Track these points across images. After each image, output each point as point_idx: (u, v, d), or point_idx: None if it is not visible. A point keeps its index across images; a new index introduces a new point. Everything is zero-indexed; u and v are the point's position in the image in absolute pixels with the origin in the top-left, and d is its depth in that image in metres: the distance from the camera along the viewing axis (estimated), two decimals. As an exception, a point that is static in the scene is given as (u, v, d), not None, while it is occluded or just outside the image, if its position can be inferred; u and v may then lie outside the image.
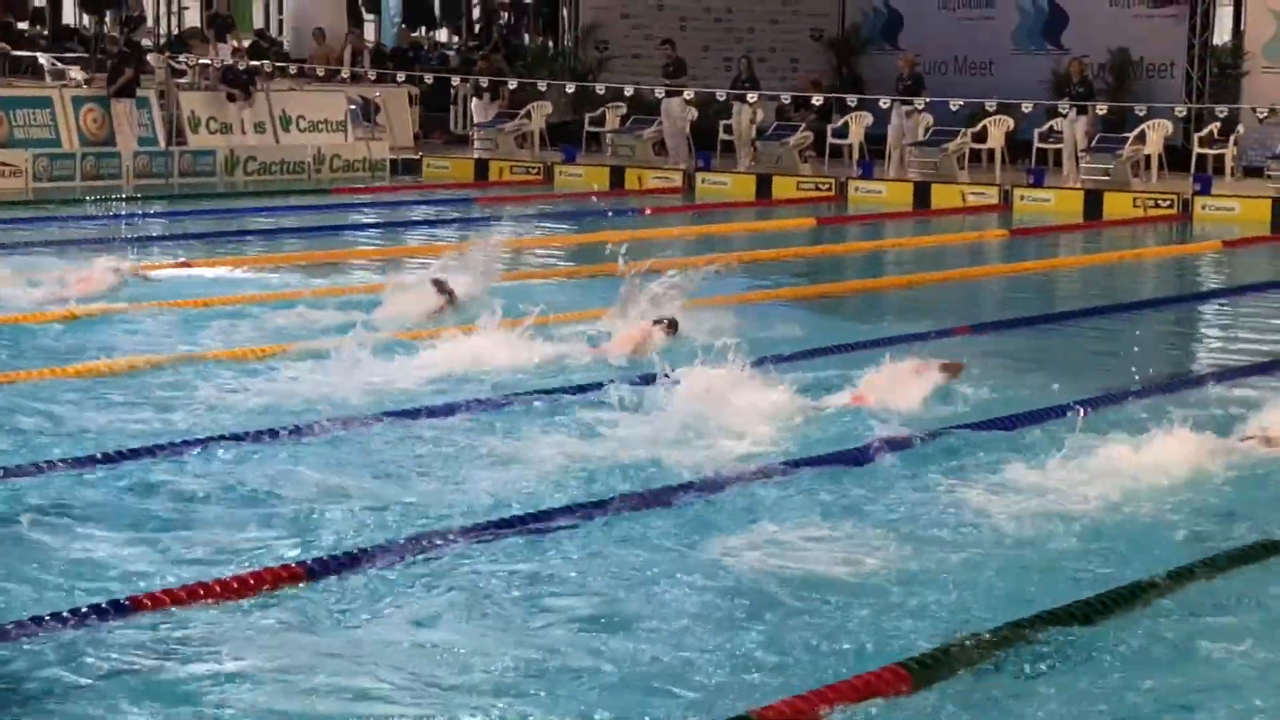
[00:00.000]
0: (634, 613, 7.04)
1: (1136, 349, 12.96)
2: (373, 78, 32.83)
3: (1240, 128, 28.84)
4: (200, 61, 30.17)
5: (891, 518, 8.41)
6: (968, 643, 6.56)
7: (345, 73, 32.84)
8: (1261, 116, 27.97)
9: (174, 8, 32.46)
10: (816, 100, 30.69)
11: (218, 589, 7.12)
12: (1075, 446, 9.28)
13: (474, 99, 32.61)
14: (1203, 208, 25.76)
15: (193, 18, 37.81)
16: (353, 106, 30.35)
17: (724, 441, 9.67)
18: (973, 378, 11.35)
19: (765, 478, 8.97)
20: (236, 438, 9.59)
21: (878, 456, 9.41)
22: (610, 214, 22.04)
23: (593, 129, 32.01)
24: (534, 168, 29.96)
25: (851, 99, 30.53)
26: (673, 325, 12.53)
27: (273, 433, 9.72)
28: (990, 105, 29.18)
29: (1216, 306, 17.26)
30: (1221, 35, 32.74)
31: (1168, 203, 26.04)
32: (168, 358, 11.93)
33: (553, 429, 10.02)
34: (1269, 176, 26.60)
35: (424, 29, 41.17)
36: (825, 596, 7.24)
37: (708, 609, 7.09)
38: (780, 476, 9.01)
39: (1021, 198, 26.82)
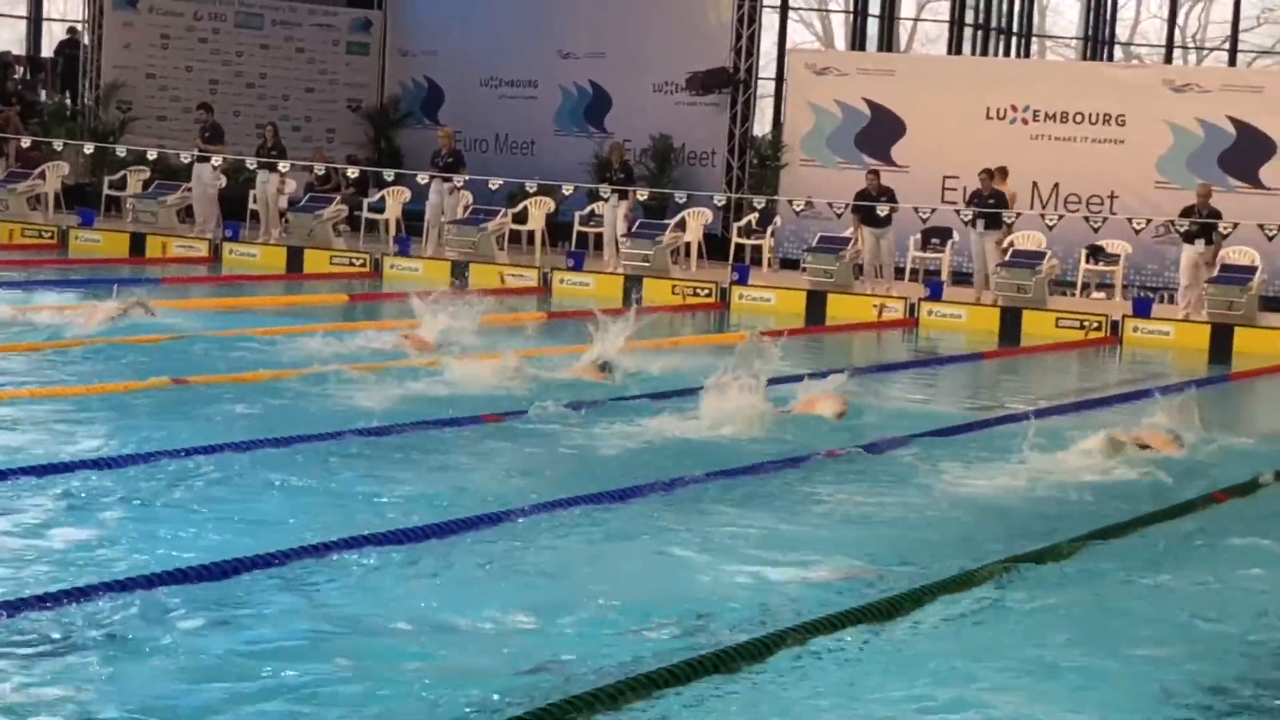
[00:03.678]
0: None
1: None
2: None
3: (778, 219, 28.92)
4: None
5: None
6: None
7: None
8: (798, 209, 28.06)
9: None
10: (352, 173, 29.62)
11: None
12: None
13: (-24, 156, 30.41)
14: (740, 297, 25.58)
15: None
16: None
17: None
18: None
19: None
20: None
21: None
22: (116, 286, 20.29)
23: (113, 193, 30.21)
24: (47, 231, 27.96)
25: (389, 173, 29.57)
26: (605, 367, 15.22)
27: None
28: (531, 186, 28.58)
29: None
30: (762, 126, 32.97)
31: (706, 291, 25.78)
32: None
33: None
34: (804, 269, 26.60)
35: (-69, 80, 38.48)
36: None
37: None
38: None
39: (561, 281, 26.21)
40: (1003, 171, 26.61)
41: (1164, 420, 13.34)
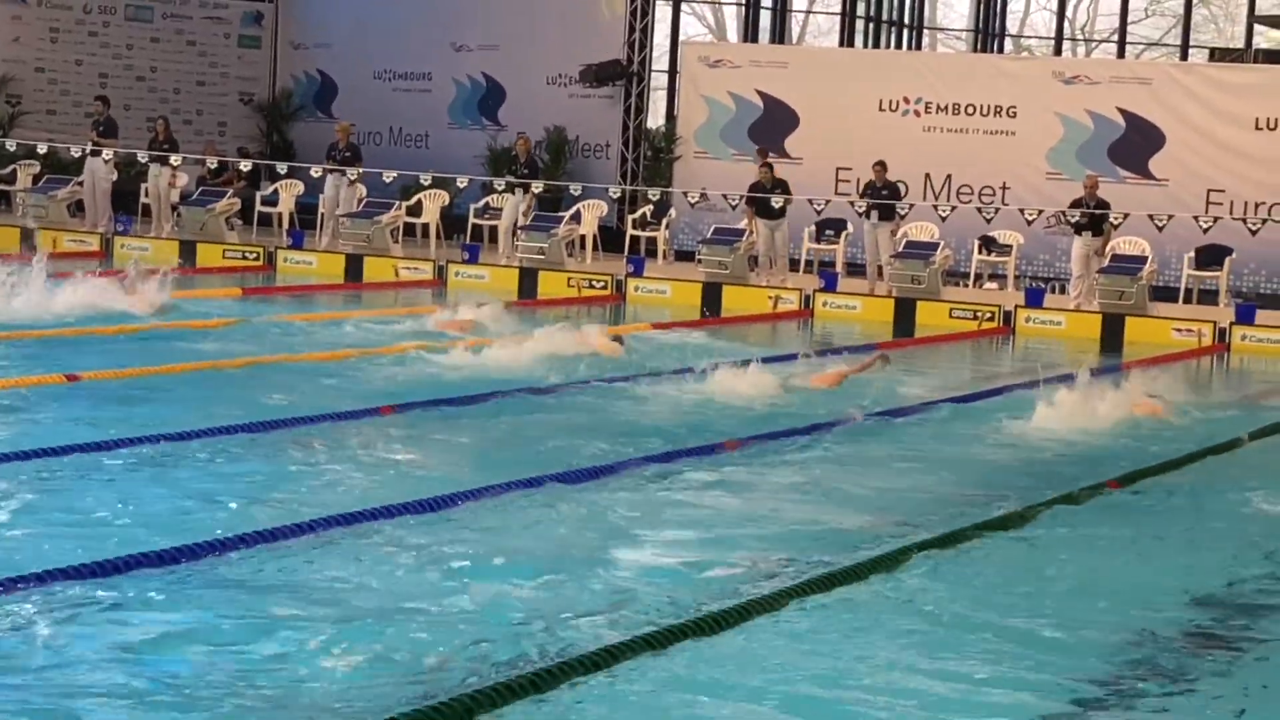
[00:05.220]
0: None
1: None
2: None
3: (672, 211, 28.97)
4: None
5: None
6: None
7: None
8: (693, 201, 28.13)
9: None
10: (245, 166, 29.40)
11: None
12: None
13: None
14: (635, 290, 25.60)
15: None
16: None
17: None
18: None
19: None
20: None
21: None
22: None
23: (2, 187, 29.85)
24: (-66, 227, 27.64)
25: (282, 166, 29.39)
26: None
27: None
28: (425, 178, 28.49)
29: (643, 387, 16.34)
30: (656, 119, 33.03)
31: (602, 284, 25.79)
32: None
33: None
34: (699, 261, 26.67)
35: None
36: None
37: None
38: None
39: (457, 274, 26.13)
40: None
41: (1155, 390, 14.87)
